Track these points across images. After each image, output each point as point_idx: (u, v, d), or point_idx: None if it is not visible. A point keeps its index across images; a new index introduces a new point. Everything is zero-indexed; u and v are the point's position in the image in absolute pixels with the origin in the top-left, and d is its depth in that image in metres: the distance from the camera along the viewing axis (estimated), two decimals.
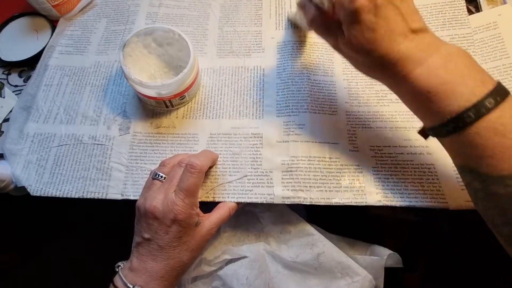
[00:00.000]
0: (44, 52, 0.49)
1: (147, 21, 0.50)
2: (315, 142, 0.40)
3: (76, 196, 0.40)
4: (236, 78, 0.46)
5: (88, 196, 0.40)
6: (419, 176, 0.38)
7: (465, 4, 0.46)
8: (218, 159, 0.40)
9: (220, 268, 0.40)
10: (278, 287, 0.38)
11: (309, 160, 0.39)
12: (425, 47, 0.27)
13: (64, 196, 0.40)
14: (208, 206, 0.37)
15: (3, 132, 0.44)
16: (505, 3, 0.46)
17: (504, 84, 0.40)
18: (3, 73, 0.49)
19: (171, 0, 0.52)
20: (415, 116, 0.41)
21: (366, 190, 0.38)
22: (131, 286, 0.31)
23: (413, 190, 0.37)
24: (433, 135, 0.30)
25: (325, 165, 0.39)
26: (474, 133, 0.25)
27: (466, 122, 0.25)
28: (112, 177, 0.40)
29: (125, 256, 0.35)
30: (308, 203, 0.37)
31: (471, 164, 0.27)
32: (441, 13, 0.46)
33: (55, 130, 0.43)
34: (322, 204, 0.37)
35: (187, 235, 0.33)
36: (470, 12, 0.46)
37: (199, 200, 0.35)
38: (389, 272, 0.39)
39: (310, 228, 0.40)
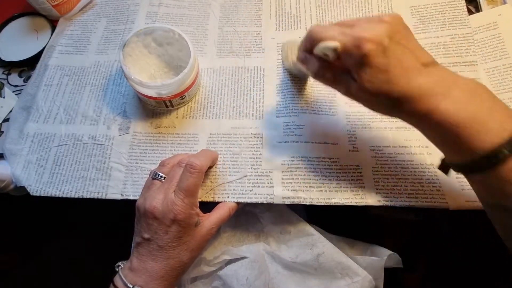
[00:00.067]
0: (44, 52, 0.49)
1: (147, 20, 0.50)
2: (315, 142, 0.40)
3: (76, 196, 0.40)
4: (236, 78, 0.46)
5: (88, 196, 0.40)
6: (419, 176, 0.38)
7: (465, 4, 0.46)
8: (218, 159, 0.40)
9: (220, 268, 0.40)
10: None
11: (309, 160, 0.39)
12: (443, 80, 0.27)
13: (64, 196, 0.40)
14: (208, 206, 0.37)
15: (3, 132, 0.44)
16: (505, 3, 0.46)
17: (504, 84, 0.40)
18: (3, 73, 0.49)
19: (171, 0, 0.52)
20: None
21: (366, 190, 0.38)
22: (131, 286, 0.31)
23: (413, 190, 0.37)
24: (459, 171, 0.29)
25: (325, 165, 0.39)
26: (509, 169, 0.25)
27: (500, 159, 0.24)
28: (112, 177, 0.40)
29: (125, 256, 0.35)
30: (308, 203, 0.37)
31: (506, 202, 0.26)
32: (441, 13, 0.46)
33: (55, 130, 0.43)
34: (322, 204, 0.37)
35: (187, 235, 0.33)
36: (470, 12, 0.46)
37: (199, 200, 0.35)
38: (389, 272, 0.39)
39: (310, 229, 0.40)
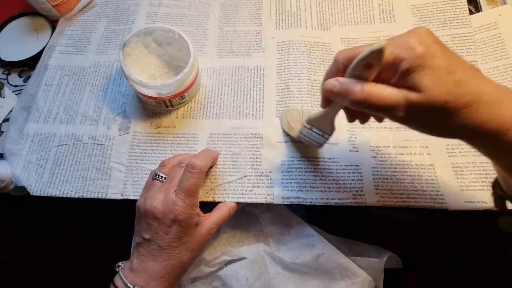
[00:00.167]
0: (44, 52, 0.49)
1: (147, 20, 0.50)
2: None
3: (76, 196, 0.40)
4: (236, 78, 0.46)
5: (88, 196, 0.40)
6: (419, 177, 0.38)
7: (466, 3, 0.46)
8: (218, 159, 0.40)
9: (220, 269, 0.40)
10: None
11: (309, 161, 0.39)
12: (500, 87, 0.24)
13: (64, 196, 0.40)
14: (208, 206, 0.37)
15: (3, 132, 0.44)
16: (505, 3, 0.46)
17: (504, 84, 0.40)
18: (3, 73, 0.49)
19: (171, 0, 0.52)
20: None
21: (365, 191, 0.38)
22: (131, 286, 0.31)
23: (412, 191, 0.37)
24: None
25: (325, 165, 0.39)
26: None
27: None
28: (112, 177, 0.40)
29: (125, 256, 0.35)
30: (307, 204, 0.37)
31: None
32: (442, 12, 0.46)
33: (55, 130, 0.43)
34: (322, 204, 0.37)
35: (187, 235, 0.33)
36: (470, 12, 0.46)
37: (199, 200, 0.34)
38: (389, 273, 0.39)
39: (309, 229, 0.40)
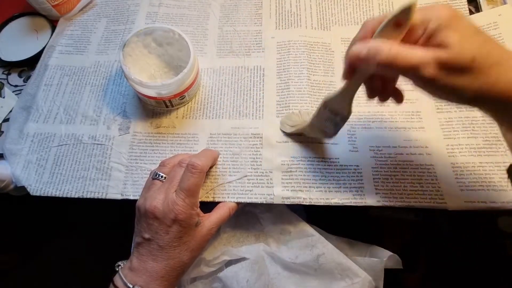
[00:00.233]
0: (44, 52, 0.49)
1: (147, 20, 0.50)
2: (315, 142, 0.40)
3: (76, 196, 0.40)
4: (236, 78, 0.46)
5: (88, 196, 0.40)
6: (419, 177, 0.38)
7: (466, 3, 0.46)
8: (218, 159, 0.40)
9: (220, 269, 0.40)
10: None
11: (308, 161, 0.39)
12: None
13: (64, 196, 0.40)
14: (208, 206, 0.37)
15: (3, 132, 0.44)
16: (505, 3, 0.46)
17: None
18: (3, 73, 0.49)
19: (171, 0, 0.52)
20: (415, 116, 0.41)
21: (365, 191, 0.38)
22: (131, 286, 0.31)
23: (412, 191, 0.37)
24: None
25: (325, 165, 0.39)
26: None
27: None
28: (112, 177, 0.40)
29: (125, 256, 0.35)
30: (307, 204, 0.37)
31: None
32: None
33: (55, 130, 0.43)
34: (322, 204, 0.37)
35: (188, 235, 0.33)
36: (470, 12, 0.46)
37: (199, 200, 0.34)
38: (389, 273, 0.39)
39: (310, 229, 0.40)
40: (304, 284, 0.38)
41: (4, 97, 0.47)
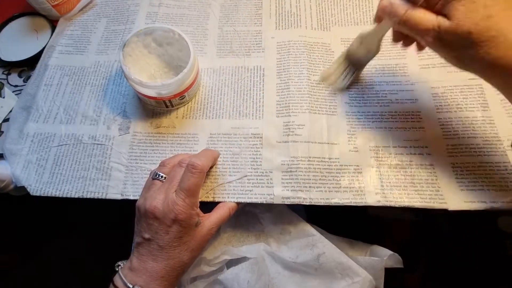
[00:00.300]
0: (44, 52, 0.49)
1: (147, 20, 0.50)
2: (315, 142, 0.40)
3: (76, 196, 0.40)
4: (236, 78, 0.46)
5: (88, 196, 0.40)
6: (419, 177, 0.38)
7: None
8: (218, 159, 0.40)
9: (220, 269, 0.40)
10: None
11: (309, 161, 0.39)
12: None
13: (64, 196, 0.40)
14: (208, 206, 0.37)
15: (3, 132, 0.44)
16: None
17: None
18: (3, 73, 0.49)
19: (171, 0, 0.52)
20: (415, 116, 0.41)
21: (365, 190, 0.38)
22: (131, 286, 0.31)
23: (412, 191, 0.37)
24: None
25: (325, 165, 0.39)
26: None
27: None
28: (112, 177, 0.40)
29: (125, 256, 0.35)
30: (308, 204, 0.37)
31: None
32: None
33: (55, 130, 0.43)
34: (322, 204, 0.37)
35: (188, 235, 0.33)
36: None
37: (199, 200, 0.34)
38: (389, 272, 0.39)
39: (310, 229, 0.40)
40: (304, 283, 0.38)
41: (4, 97, 0.47)
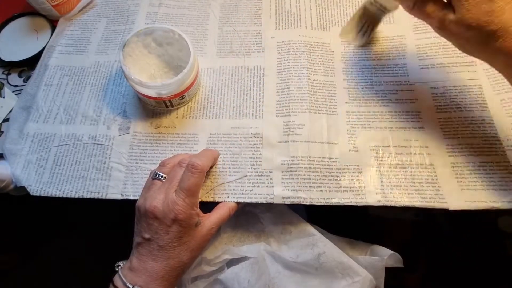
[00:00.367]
0: (44, 52, 0.49)
1: (147, 21, 0.50)
2: (315, 142, 0.40)
3: (76, 196, 0.40)
4: (236, 78, 0.46)
5: (88, 196, 0.40)
6: (419, 176, 0.38)
7: None
8: (218, 159, 0.40)
9: (221, 268, 0.40)
10: None
11: (309, 160, 0.39)
12: None
13: (64, 196, 0.40)
14: (208, 206, 0.37)
15: (3, 132, 0.44)
16: None
17: (504, 84, 0.40)
18: (3, 73, 0.49)
19: (171, 0, 0.52)
20: (415, 116, 0.41)
21: (366, 190, 0.38)
22: (131, 286, 0.31)
23: (413, 190, 0.37)
24: None
25: (325, 165, 0.39)
26: None
27: None
28: (112, 177, 0.40)
29: (125, 256, 0.35)
30: (308, 203, 0.37)
31: None
32: None
33: (55, 130, 0.43)
34: (322, 204, 0.37)
35: (188, 235, 0.33)
36: None
37: (199, 200, 0.34)
38: (390, 272, 0.39)
39: (310, 229, 0.40)
40: (305, 283, 0.38)
41: (4, 97, 0.47)
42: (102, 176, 0.40)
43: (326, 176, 0.38)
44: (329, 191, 0.38)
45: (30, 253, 0.65)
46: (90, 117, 0.44)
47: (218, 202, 0.38)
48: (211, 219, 0.35)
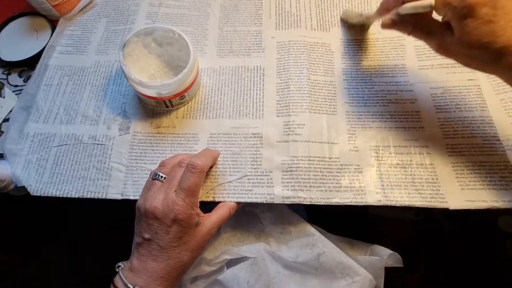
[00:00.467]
0: (44, 52, 0.49)
1: (147, 21, 0.50)
2: (315, 142, 0.40)
3: (76, 196, 0.40)
4: (236, 78, 0.46)
5: (88, 196, 0.40)
6: (419, 176, 0.38)
7: None
8: (218, 159, 0.40)
9: (221, 268, 0.40)
10: None
11: (309, 160, 0.39)
12: None
13: (64, 196, 0.40)
14: (208, 206, 0.37)
15: (3, 132, 0.44)
16: None
17: (504, 84, 0.40)
18: (3, 73, 0.49)
19: (171, 0, 0.52)
20: (415, 116, 0.41)
21: (366, 190, 0.38)
22: (131, 287, 0.31)
23: (413, 190, 0.37)
24: None
25: (325, 165, 0.39)
26: None
27: None
28: (112, 177, 0.40)
29: (125, 256, 0.35)
30: (308, 203, 0.37)
31: None
32: None
33: (55, 130, 0.43)
34: (322, 204, 0.37)
35: (188, 235, 0.33)
36: None
37: (199, 200, 0.34)
38: (389, 272, 0.39)
39: (310, 228, 0.40)
40: (304, 283, 0.38)
41: (4, 97, 0.47)
42: (102, 176, 0.40)
43: (326, 176, 0.38)
44: (329, 191, 0.38)
45: (30, 253, 0.65)
46: (90, 117, 0.44)
47: (218, 202, 0.38)
48: (211, 219, 0.35)
